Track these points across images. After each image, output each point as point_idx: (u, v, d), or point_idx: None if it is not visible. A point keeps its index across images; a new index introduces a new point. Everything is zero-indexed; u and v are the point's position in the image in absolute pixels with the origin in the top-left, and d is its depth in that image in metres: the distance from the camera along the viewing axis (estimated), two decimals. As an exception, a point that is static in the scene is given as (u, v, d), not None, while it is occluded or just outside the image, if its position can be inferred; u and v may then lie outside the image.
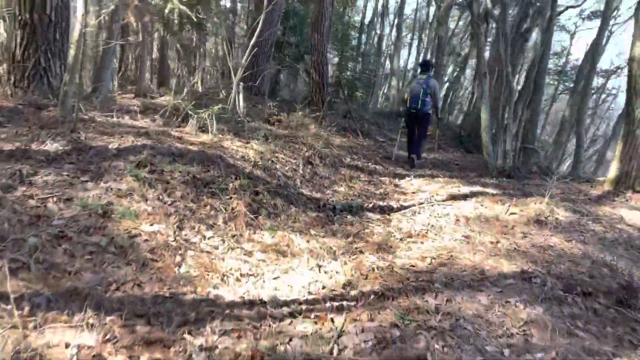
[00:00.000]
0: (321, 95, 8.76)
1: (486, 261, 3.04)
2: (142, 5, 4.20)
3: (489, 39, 14.06)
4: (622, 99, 23.93)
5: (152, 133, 4.03)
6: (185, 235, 2.86)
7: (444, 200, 4.54)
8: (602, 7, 13.34)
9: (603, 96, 21.79)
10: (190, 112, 4.60)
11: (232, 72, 6.31)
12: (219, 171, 3.64)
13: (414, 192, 5.04)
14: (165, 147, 3.70)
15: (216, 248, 2.86)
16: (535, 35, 10.34)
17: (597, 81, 18.25)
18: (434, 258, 3.08)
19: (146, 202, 2.98)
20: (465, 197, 4.68)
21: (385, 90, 21.05)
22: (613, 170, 5.42)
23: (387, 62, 23.70)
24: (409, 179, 5.73)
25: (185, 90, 7.59)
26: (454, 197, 4.65)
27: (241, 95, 6.25)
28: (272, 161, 4.43)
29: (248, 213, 3.32)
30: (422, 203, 4.38)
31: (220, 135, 4.58)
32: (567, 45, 19.81)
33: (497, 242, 3.45)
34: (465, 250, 3.25)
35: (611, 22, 15.30)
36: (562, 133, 15.54)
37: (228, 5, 11.80)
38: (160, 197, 3.10)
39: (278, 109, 7.99)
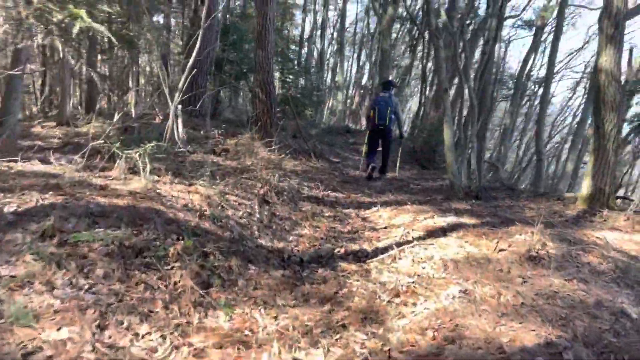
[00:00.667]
0: (269, 116, 8.10)
1: (498, 328, 2.49)
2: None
3: (432, 53, 14.05)
4: (555, 105, 25.17)
5: (65, 184, 3.17)
6: (110, 337, 2.07)
7: (422, 238, 4.00)
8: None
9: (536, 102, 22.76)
10: (117, 151, 3.76)
11: (168, 96, 5.51)
12: (155, 232, 2.86)
13: (385, 227, 4.48)
14: (82, 204, 2.87)
15: (154, 351, 2.10)
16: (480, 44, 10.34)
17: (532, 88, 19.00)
18: (436, 329, 2.49)
19: (52, 293, 2.16)
20: (444, 231, 4.18)
21: (330, 105, 20.74)
22: (586, 187, 5.18)
23: (329, 76, 23.48)
24: (376, 209, 5.19)
25: (117, 115, 6.67)
26: (432, 233, 4.13)
27: (180, 121, 5.46)
28: (223, 207, 3.69)
29: (196, 287, 2.57)
30: (400, 244, 3.82)
31: (157, 178, 3.78)
32: (502, 53, 20.55)
33: (499, 294, 2.93)
34: (469, 312, 2.69)
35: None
36: (504, 141, 15.89)
37: (161, 21, 10.87)
38: (74, 281, 2.29)
39: (223, 134, 7.25)
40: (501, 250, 3.70)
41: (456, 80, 9.29)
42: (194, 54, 5.49)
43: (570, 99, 22.47)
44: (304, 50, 22.61)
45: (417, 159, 9.89)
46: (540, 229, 3.96)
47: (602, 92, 4.89)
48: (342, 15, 17.40)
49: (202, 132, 8.46)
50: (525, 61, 14.98)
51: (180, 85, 5.08)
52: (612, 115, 4.85)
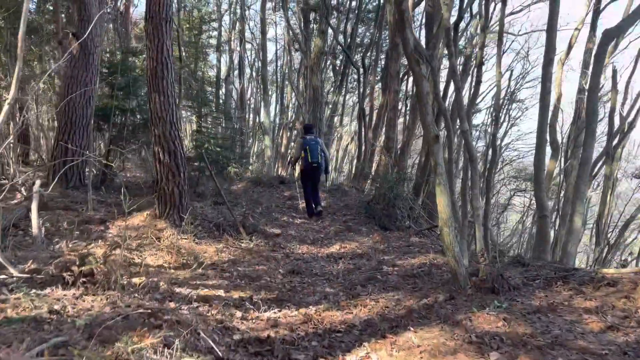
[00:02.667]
0: (176, 183, 5.79)
1: None
2: None
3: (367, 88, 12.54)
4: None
5: None
6: None
7: None
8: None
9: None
10: None
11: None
12: None
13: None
14: None
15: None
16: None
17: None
18: None
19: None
20: None
21: (255, 150, 18.63)
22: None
23: (252, 117, 21.48)
24: (364, 354, 3.02)
25: None
26: None
27: (35, 205, 3.08)
28: None
29: None
30: None
31: None
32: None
33: None
34: None
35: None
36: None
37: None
38: None
39: (109, 215, 4.87)
40: None
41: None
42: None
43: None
44: (222, 92, 20.53)
45: (374, 217, 7.97)
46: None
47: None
48: (263, 50, 15.57)
49: (78, 213, 5.89)
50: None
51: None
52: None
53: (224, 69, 21.95)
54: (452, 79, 4.86)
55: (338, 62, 20.94)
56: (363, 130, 12.60)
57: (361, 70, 13.04)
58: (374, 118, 13.28)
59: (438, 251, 5.83)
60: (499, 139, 15.75)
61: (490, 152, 10.38)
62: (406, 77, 14.05)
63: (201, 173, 7.54)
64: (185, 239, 5.51)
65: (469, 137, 4.57)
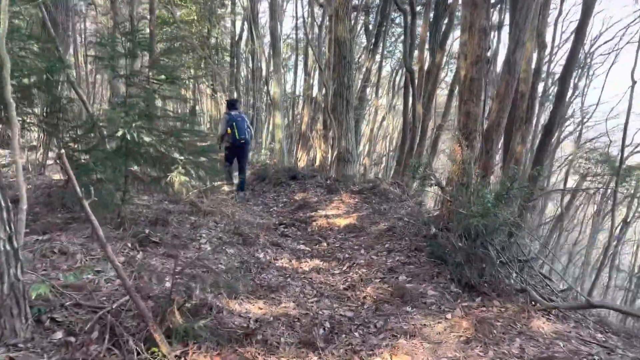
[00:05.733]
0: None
1: None
2: None
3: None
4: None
5: None
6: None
7: None
8: None
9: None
10: None
11: None
12: None
13: None
14: None
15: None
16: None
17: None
18: None
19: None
20: None
21: (271, 129, 15.03)
22: None
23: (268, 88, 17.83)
24: None
25: None
26: None
27: None
28: None
29: None
30: None
31: None
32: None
33: None
34: None
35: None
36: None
37: None
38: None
39: None
40: None
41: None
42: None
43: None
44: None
45: (445, 260, 4.31)
46: None
47: None
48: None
49: None
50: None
51: None
52: None
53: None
54: None
55: (372, 18, 16.93)
56: (410, 101, 8.76)
57: (409, 11, 8.94)
58: (424, 84, 9.38)
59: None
60: None
61: None
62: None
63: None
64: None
65: None
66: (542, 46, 6.52)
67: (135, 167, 4.22)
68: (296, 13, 17.41)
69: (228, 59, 19.61)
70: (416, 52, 9.74)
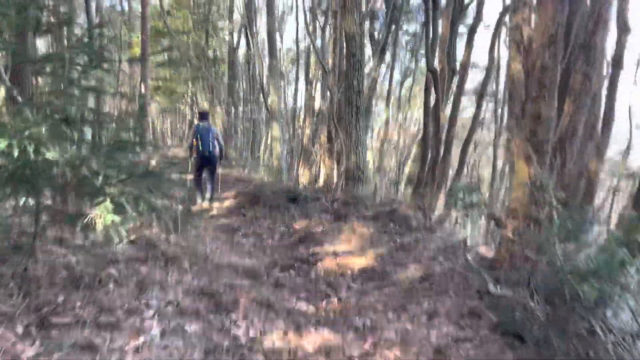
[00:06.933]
0: None
1: None
2: None
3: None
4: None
5: None
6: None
7: None
8: None
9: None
10: None
11: None
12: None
13: None
14: None
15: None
16: None
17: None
18: None
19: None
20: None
21: (268, 142, 13.59)
22: None
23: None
24: None
25: None
26: None
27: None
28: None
29: None
30: None
31: None
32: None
33: None
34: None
35: None
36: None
37: None
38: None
39: None
40: None
41: None
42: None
43: None
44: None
45: (521, 337, 2.78)
46: None
47: None
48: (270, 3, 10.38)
49: None
50: None
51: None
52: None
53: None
54: None
55: (379, 24, 15.65)
56: (432, 107, 7.32)
57: (431, 4, 7.42)
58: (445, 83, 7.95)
59: None
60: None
61: None
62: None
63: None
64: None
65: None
66: (623, 29, 5.12)
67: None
68: (297, 18, 16.20)
69: (226, 70, 18.41)
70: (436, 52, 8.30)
